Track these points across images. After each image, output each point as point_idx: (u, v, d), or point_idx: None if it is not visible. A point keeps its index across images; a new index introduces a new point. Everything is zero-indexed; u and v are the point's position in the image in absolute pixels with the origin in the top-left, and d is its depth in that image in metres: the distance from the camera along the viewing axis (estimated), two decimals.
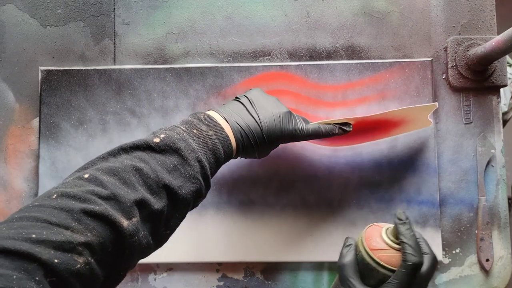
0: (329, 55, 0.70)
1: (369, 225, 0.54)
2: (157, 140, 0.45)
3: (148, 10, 0.72)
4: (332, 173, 0.67)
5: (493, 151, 0.68)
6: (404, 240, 0.48)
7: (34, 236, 0.34)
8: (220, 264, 0.69)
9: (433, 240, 0.66)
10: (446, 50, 0.70)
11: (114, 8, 0.72)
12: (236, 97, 0.57)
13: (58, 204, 0.37)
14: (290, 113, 0.55)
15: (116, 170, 0.41)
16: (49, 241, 0.34)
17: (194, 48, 0.71)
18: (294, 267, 0.69)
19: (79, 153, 0.69)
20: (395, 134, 0.66)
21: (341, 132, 0.57)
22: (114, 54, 0.72)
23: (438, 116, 0.69)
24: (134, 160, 0.43)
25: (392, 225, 0.51)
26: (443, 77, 0.70)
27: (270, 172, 0.68)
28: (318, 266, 0.69)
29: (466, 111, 0.69)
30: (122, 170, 0.42)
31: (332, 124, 0.58)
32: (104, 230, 0.37)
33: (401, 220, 0.49)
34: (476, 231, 0.68)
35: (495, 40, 0.61)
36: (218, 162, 0.48)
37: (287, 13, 0.71)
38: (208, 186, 0.48)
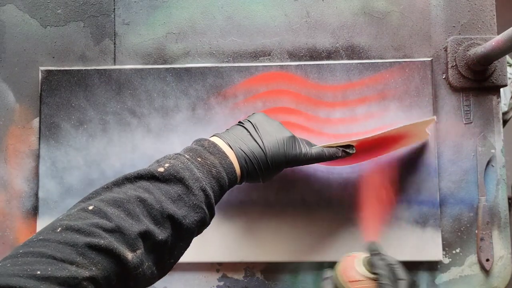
0: (329, 55, 0.70)
1: (344, 256, 0.55)
2: (161, 169, 0.45)
3: (148, 10, 0.72)
4: (332, 173, 0.67)
5: (493, 151, 0.68)
6: (378, 271, 0.48)
7: (39, 272, 0.34)
8: (220, 264, 0.69)
9: (433, 240, 0.66)
10: (446, 50, 0.70)
11: (114, 8, 0.72)
12: (240, 122, 0.57)
13: (62, 238, 0.37)
14: (294, 137, 0.55)
15: (121, 201, 0.41)
16: (54, 277, 0.34)
17: (194, 48, 0.71)
18: (294, 267, 0.69)
19: (79, 153, 0.69)
20: (395, 149, 0.66)
21: (344, 155, 0.57)
22: (114, 54, 0.72)
23: (438, 116, 0.69)
24: (138, 191, 0.43)
25: (365, 254, 0.52)
26: (443, 77, 0.70)
27: None
28: (318, 266, 0.69)
29: (466, 111, 0.69)
30: (127, 201, 0.42)
31: (335, 147, 0.57)
32: (108, 264, 0.37)
33: (373, 251, 0.50)
34: (476, 231, 0.68)
35: (495, 40, 0.61)
36: (222, 189, 0.49)
37: (287, 13, 0.71)
38: (212, 214, 0.48)
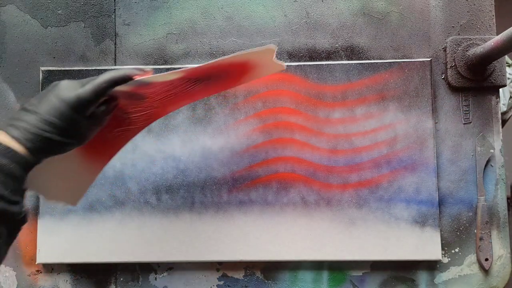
0: (329, 56, 0.71)
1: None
2: None
3: (149, 10, 0.72)
4: (332, 173, 0.68)
5: (492, 150, 0.69)
6: None
7: None
8: (220, 263, 0.69)
9: (432, 240, 0.66)
10: (445, 50, 0.70)
11: (114, 9, 0.73)
12: None
13: None
14: (69, 82, 0.48)
15: None
16: None
17: (195, 48, 0.72)
18: (293, 266, 0.69)
19: None
20: (248, 79, 0.62)
21: (140, 73, 0.49)
22: (115, 55, 0.72)
23: (437, 116, 0.69)
24: None
25: None
26: (442, 77, 0.70)
27: (270, 172, 0.68)
28: (318, 265, 0.69)
29: (465, 111, 0.69)
30: None
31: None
32: None
33: None
34: (475, 231, 0.68)
35: (494, 40, 0.61)
36: (12, 175, 0.43)
37: (287, 14, 0.71)
38: (14, 202, 0.43)
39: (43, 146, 0.45)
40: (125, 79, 0.48)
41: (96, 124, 0.49)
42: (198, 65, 0.52)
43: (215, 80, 0.58)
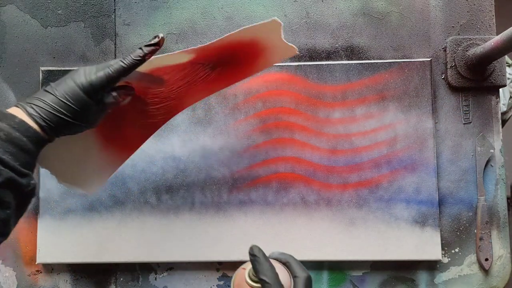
0: (329, 56, 0.71)
1: (238, 270, 0.51)
2: None
3: (149, 10, 0.72)
4: (332, 172, 0.68)
5: (492, 150, 0.69)
6: (261, 276, 0.45)
7: None
8: (220, 263, 0.69)
9: (432, 240, 0.66)
10: (445, 50, 0.70)
11: (114, 9, 0.73)
12: None
13: None
14: (86, 68, 0.51)
15: None
16: None
17: None
18: None
19: None
20: (263, 65, 0.60)
21: (149, 50, 0.49)
22: (115, 55, 0.72)
23: (437, 116, 0.69)
24: None
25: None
26: (442, 77, 0.70)
27: (270, 172, 0.68)
28: (318, 265, 0.69)
29: (465, 111, 0.69)
30: None
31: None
32: None
33: (253, 255, 0.47)
34: (476, 231, 0.68)
35: (494, 40, 0.61)
36: (23, 149, 0.46)
37: (286, 14, 0.71)
38: (24, 174, 0.46)
39: (56, 125, 0.48)
40: (137, 63, 0.50)
41: (105, 110, 0.52)
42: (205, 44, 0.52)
43: (228, 66, 0.58)
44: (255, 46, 0.56)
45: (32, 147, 0.47)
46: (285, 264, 0.49)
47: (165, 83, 0.55)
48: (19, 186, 0.45)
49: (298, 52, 0.58)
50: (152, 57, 0.50)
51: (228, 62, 0.57)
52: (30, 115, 0.48)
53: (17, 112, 0.48)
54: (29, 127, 0.47)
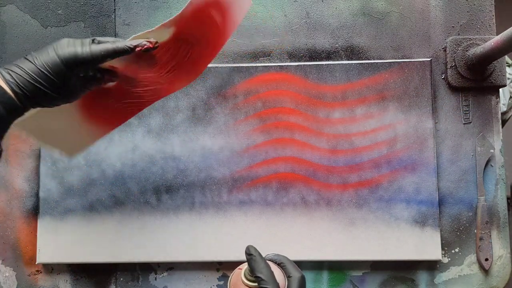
0: (329, 56, 0.71)
1: (233, 271, 0.52)
2: None
3: (149, 10, 0.72)
4: (332, 172, 0.68)
5: (492, 150, 0.69)
6: (258, 274, 0.46)
7: None
8: (220, 263, 0.69)
9: (432, 240, 0.66)
10: (445, 50, 0.70)
11: (114, 9, 0.73)
12: None
13: None
14: (70, 39, 0.50)
15: None
16: None
17: None
18: None
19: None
20: (231, 28, 0.57)
21: (143, 44, 0.49)
22: None
23: (437, 116, 0.69)
24: None
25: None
26: (442, 77, 0.70)
27: (270, 172, 0.68)
28: (318, 265, 0.69)
29: (465, 111, 0.69)
30: None
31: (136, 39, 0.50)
32: None
33: (249, 255, 0.48)
34: (476, 231, 0.68)
35: (494, 40, 0.61)
36: None
37: (287, 14, 0.71)
38: None
39: (32, 94, 0.47)
40: (127, 51, 0.49)
41: (86, 88, 0.51)
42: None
43: (205, 39, 0.56)
44: (219, 5, 0.54)
45: (5, 113, 0.46)
46: (280, 264, 0.49)
47: (155, 62, 0.53)
48: None
49: (251, 4, 0.57)
50: (137, 34, 0.49)
51: (202, 33, 0.55)
52: (6, 81, 0.47)
53: None
54: (4, 92, 0.46)
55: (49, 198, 0.69)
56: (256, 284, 0.47)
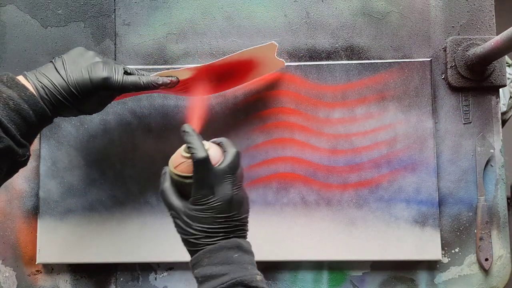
0: (329, 56, 0.71)
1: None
2: None
3: (149, 10, 0.72)
4: (332, 172, 0.68)
5: (492, 150, 0.69)
6: (189, 145, 0.50)
7: None
8: None
9: (432, 240, 0.66)
10: (445, 50, 0.70)
11: (114, 9, 0.73)
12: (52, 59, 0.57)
13: None
14: (104, 62, 0.54)
15: None
16: None
17: (194, 48, 0.72)
18: (293, 266, 0.69)
19: (80, 153, 0.69)
20: (252, 77, 0.68)
21: (166, 82, 0.56)
22: (115, 55, 0.72)
23: (437, 116, 0.69)
24: None
25: None
26: (442, 77, 0.70)
27: (270, 172, 0.68)
28: (318, 265, 0.69)
29: (465, 111, 0.69)
30: None
31: (158, 75, 0.57)
32: None
33: (184, 132, 0.51)
34: (476, 231, 0.68)
35: (494, 40, 0.61)
36: (27, 121, 0.49)
37: (287, 14, 0.71)
38: (22, 145, 0.48)
39: (60, 110, 0.52)
40: (152, 87, 0.55)
41: (101, 105, 0.56)
42: (209, 62, 0.59)
43: (223, 78, 0.63)
44: (249, 63, 0.63)
45: (36, 121, 0.49)
46: (219, 144, 0.54)
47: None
48: (15, 155, 0.48)
49: (284, 66, 0.67)
50: (161, 72, 0.57)
51: (224, 75, 0.63)
52: (41, 97, 0.50)
53: (26, 83, 0.50)
54: (38, 102, 0.49)
55: (49, 198, 0.69)
56: (189, 154, 0.51)
